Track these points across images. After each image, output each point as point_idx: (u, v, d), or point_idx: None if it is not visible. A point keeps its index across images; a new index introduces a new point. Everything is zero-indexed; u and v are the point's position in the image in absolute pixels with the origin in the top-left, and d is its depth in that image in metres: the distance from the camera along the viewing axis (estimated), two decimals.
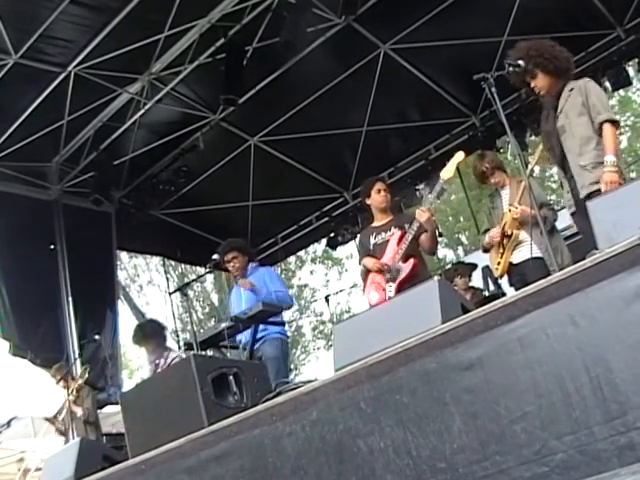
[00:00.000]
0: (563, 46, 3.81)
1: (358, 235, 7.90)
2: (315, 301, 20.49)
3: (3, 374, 13.58)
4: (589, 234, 2.49)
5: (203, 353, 4.83)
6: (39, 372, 7.82)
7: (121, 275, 16.42)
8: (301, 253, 18.00)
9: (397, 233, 4.53)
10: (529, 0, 6.87)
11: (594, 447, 1.99)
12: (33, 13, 6.20)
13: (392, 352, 2.47)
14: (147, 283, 18.95)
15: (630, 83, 7.86)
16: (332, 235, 9.76)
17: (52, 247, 8.27)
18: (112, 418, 7.42)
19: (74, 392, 6.51)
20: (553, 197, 15.10)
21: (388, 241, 4.56)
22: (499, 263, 4.58)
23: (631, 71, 7.68)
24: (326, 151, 8.80)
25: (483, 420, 2.21)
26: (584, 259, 2.29)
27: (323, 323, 20.28)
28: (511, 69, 3.68)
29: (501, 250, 4.57)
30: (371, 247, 4.67)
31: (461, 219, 18.99)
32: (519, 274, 4.44)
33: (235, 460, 2.80)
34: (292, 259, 18.51)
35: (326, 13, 6.87)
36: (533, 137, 7.99)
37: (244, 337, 5.01)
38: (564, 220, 4.84)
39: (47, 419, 7.56)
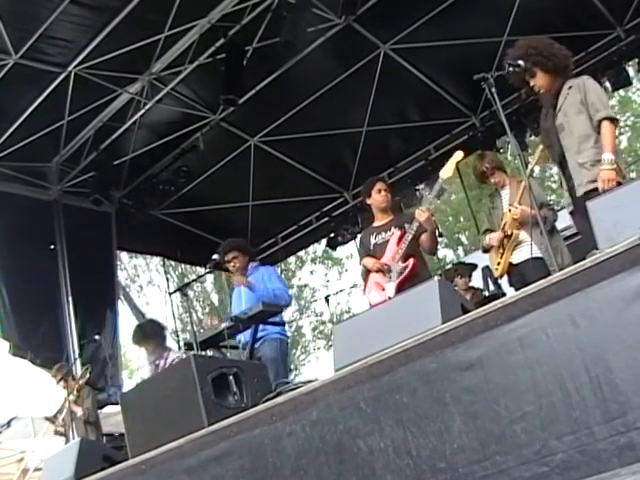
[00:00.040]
0: (565, 48, 3.80)
1: (358, 235, 7.92)
2: (315, 301, 20.52)
3: (3, 374, 13.59)
4: (589, 234, 2.49)
5: (203, 353, 4.83)
6: (39, 372, 7.83)
7: (121, 275, 16.46)
8: (301, 253, 18.00)
9: (397, 233, 4.53)
10: (529, 0, 6.87)
11: (594, 447, 1.99)
12: (33, 13, 6.21)
13: (392, 352, 2.47)
14: (147, 283, 18.99)
15: (630, 83, 7.86)
16: (332, 235, 9.76)
17: (52, 247, 8.27)
18: (112, 418, 7.42)
19: (75, 392, 6.52)
20: (553, 197, 15.10)
21: (388, 241, 4.56)
22: (499, 263, 4.58)
23: (631, 71, 7.68)
24: (326, 151, 8.80)
25: (483, 420, 2.21)
26: (584, 259, 2.29)
27: (323, 323, 20.29)
28: (511, 69, 3.67)
29: (501, 250, 4.57)
30: (371, 247, 4.67)
31: (461, 219, 19.00)
32: (519, 274, 4.44)
33: (235, 460, 2.80)
34: (292, 259, 18.51)
35: (326, 13, 6.87)
36: (533, 137, 8.00)
37: (243, 337, 5.02)
38: (564, 220, 4.84)
39: (47, 418, 7.57)
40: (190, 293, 7.36)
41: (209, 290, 19.55)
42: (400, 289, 4.25)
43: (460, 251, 18.93)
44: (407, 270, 4.37)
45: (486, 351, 2.24)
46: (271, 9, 6.60)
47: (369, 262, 4.58)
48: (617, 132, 3.60)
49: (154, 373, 5.59)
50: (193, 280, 12.58)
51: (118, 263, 10.72)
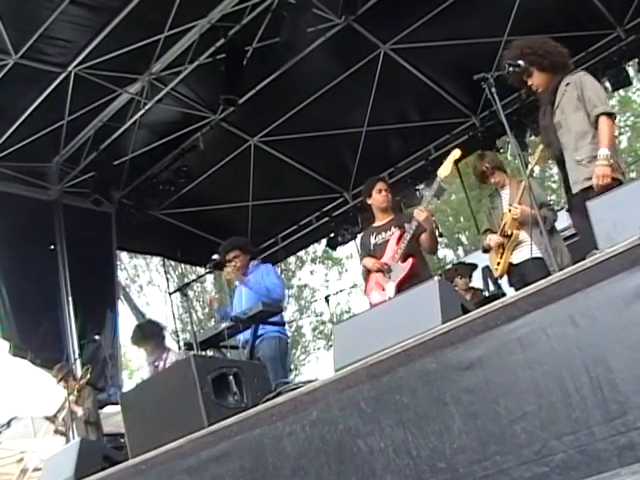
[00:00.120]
0: (563, 46, 3.80)
1: (358, 235, 7.92)
2: (315, 301, 20.53)
3: (3, 374, 13.58)
4: (589, 234, 2.49)
5: (203, 353, 4.83)
6: (39, 372, 7.84)
7: (121, 275, 16.44)
8: (301, 253, 18.01)
9: (397, 233, 4.53)
10: (529, 0, 6.87)
11: (594, 447, 1.99)
12: (33, 13, 6.21)
13: (392, 352, 2.47)
14: (147, 283, 19.00)
15: (630, 83, 7.87)
16: (332, 235, 9.76)
17: (52, 247, 8.27)
18: (112, 418, 7.42)
19: (75, 392, 6.52)
20: (553, 197, 15.11)
21: (388, 241, 4.56)
22: (499, 263, 4.59)
23: (631, 71, 7.69)
24: (326, 151, 8.80)
25: (483, 420, 2.21)
26: (584, 259, 2.29)
27: (323, 323, 20.30)
28: (511, 69, 3.67)
29: (501, 250, 4.57)
30: (372, 247, 4.67)
31: (461, 219, 19.00)
32: (519, 274, 4.44)
33: (235, 460, 2.80)
34: (292, 259, 18.51)
35: (326, 13, 6.87)
36: (533, 137, 8.00)
37: (242, 336, 5.01)
38: (564, 220, 4.84)
39: (47, 418, 7.56)
40: (190, 293, 7.35)
41: (209, 290, 19.55)
42: (400, 289, 4.25)
43: (460, 251, 18.94)
44: (406, 270, 4.37)
45: (486, 351, 2.24)
46: (271, 9, 6.60)
47: (369, 262, 4.58)
48: (617, 132, 3.59)
49: (154, 373, 5.59)
50: (193, 280, 12.57)
51: (118, 263, 10.72)
